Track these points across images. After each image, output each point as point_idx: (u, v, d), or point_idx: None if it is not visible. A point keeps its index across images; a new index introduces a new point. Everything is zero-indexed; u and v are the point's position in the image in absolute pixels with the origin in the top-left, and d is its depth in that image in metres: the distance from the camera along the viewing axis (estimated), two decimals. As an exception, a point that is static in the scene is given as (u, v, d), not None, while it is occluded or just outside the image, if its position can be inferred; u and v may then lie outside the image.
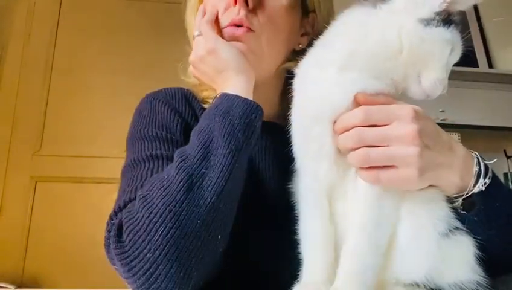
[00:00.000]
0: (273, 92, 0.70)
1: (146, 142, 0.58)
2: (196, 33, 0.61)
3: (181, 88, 0.69)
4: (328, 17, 0.69)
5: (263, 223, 0.59)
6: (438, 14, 0.48)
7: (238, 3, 0.58)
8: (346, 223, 0.50)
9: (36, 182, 1.92)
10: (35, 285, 1.77)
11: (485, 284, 0.48)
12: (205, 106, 0.67)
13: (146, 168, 0.54)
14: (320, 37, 0.58)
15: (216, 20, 0.61)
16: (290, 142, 0.56)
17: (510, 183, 1.89)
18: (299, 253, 0.54)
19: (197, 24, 0.62)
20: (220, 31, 0.61)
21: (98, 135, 1.98)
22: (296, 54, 0.67)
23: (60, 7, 2.13)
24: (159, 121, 0.61)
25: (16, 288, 1.65)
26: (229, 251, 0.51)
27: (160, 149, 0.56)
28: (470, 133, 1.89)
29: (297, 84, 0.57)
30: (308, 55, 0.58)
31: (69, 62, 2.07)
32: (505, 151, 1.96)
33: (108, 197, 0.58)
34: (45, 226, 1.85)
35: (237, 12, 0.59)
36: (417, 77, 0.50)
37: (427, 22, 0.48)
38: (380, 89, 0.50)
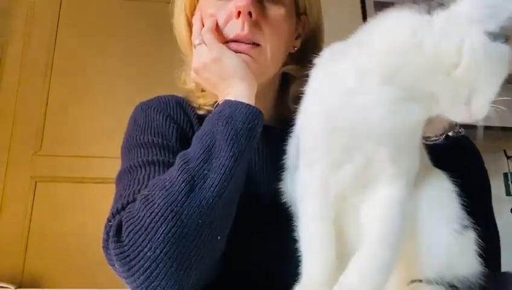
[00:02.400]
0: (269, 95, 0.71)
1: (142, 149, 0.58)
2: (197, 42, 0.62)
3: (174, 95, 0.70)
4: (318, 19, 0.70)
5: (260, 225, 0.59)
6: (502, 28, 0.42)
7: (241, 16, 0.58)
8: (358, 227, 0.49)
9: (36, 182, 1.92)
10: (35, 285, 1.77)
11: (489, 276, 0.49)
12: (200, 112, 0.68)
13: (143, 173, 0.54)
14: (356, 33, 0.52)
15: (217, 28, 0.61)
16: (284, 144, 0.56)
17: (510, 183, 1.89)
18: (299, 253, 0.55)
19: (196, 33, 0.63)
20: (221, 40, 0.61)
21: (98, 135, 1.98)
22: (290, 56, 0.69)
23: (60, 7, 2.13)
24: (154, 128, 0.62)
25: (16, 288, 1.65)
26: (228, 253, 0.52)
27: (157, 155, 0.57)
28: (470, 133, 1.89)
29: (318, 77, 0.51)
30: (338, 49, 0.52)
31: (69, 62, 2.07)
32: (505, 151, 1.96)
33: (108, 197, 0.58)
34: (45, 226, 1.85)
35: (241, 27, 0.59)
36: (467, 97, 0.44)
37: (495, 37, 0.42)
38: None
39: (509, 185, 1.89)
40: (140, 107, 0.67)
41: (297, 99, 0.60)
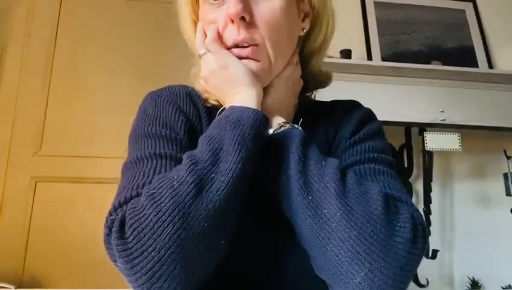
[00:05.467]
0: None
1: (149, 140, 0.57)
2: (202, 51, 0.62)
3: (184, 86, 0.69)
4: None
5: (257, 228, 0.58)
6: None
7: (235, 23, 0.59)
8: None
9: (36, 182, 1.92)
10: (35, 285, 1.77)
11: None
12: (208, 104, 0.67)
13: (149, 166, 0.53)
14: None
15: (219, 35, 0.61)
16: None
17: (510, 183, 1.89)
18: (294, 260, 0.55)
19: (199, 43, 0.64)
20: (224, 46, 0.61)
21: (98, 135, 1.98)
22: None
23: (60, 7, 2.13)
24: (163, 119, 0.61)
25: (16, 288, 1.65)
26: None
27: (164, 148, 0.56)
28: (470, 133, 1.89)
29: None
30: None
31: (69, 62, 2.07)
32: (505, 151, 1.96)
33: (108, 197, 0.58)
34: (45, 226, 1.86)
35: (237, 33, 0.59)
36: None
37: None
38: None
39: (509, 185, 1.89)
40: (150, 97, 0.66)
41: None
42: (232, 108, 0.56)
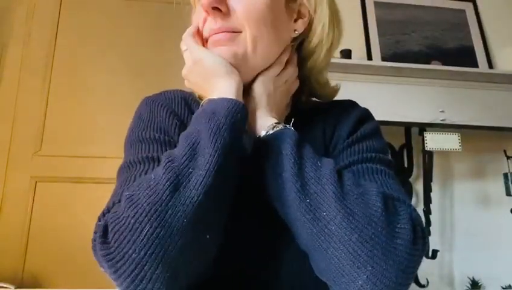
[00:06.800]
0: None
1: (143, 145, 0.57)
2: (184, 48, 0.63)
3: (181, 90, 0.69)
4: None
5: (253, 225, 0.58)
6: None
7: (210, 14, 0.58)
8: None
9: (36, 182, 1.92)
10: (35, 285, 1.77)
11: None
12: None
13: (140, 169, 0.53)
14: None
15: (199, 32, 0.62)
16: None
17: (510, 183, 1.88)
18: (290, 258, 0.55)
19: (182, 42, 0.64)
20: (204, 43, 0.62)
21: (98, 135, 1.98)
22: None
23: (60, 7, 2.13)
24: (157, 124, 0.61)
25: (16, 288, 1.65)
26: (220, 252, 0.50)
27: (157, 151, 0.56)
28: (470, 133, 1.89)
29: None
30: None
31: (69, 62, 2.07)
32: (505, 151, 1.96)
33: (108, 197, 0.58)
34: (45, 226, 1.86)
35: (214, 23, 0.59)
36: None
37: None
38: None
39: (509, 185, 1.89)
40: (145, 102, 0.66)
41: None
42: (209, 101, 0.55)
